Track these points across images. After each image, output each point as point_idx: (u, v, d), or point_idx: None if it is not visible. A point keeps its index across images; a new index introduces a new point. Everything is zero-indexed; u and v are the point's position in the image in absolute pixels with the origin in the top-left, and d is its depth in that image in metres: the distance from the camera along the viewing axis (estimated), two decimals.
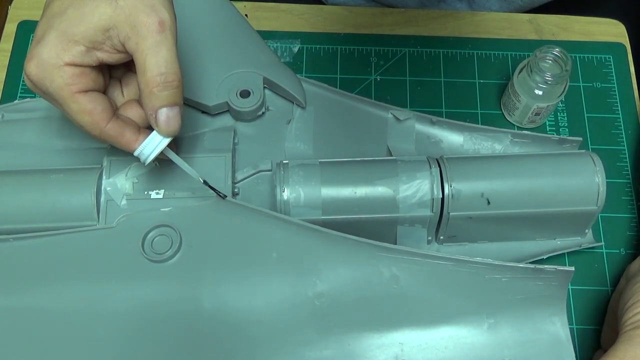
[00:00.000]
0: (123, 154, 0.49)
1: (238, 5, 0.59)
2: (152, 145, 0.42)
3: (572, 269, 0.43)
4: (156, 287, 0.45)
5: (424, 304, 0.44)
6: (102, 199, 0.47)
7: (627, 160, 0.55)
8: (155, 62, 0.39)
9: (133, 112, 0.43)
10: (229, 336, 0.44)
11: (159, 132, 0.42)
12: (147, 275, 0.45)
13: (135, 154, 0.43)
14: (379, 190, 0.46)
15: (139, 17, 0.38)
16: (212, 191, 0.45)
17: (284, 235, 0.45)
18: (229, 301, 0.44)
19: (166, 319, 0.44)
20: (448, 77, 0.58)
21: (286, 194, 0.46)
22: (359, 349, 0.44)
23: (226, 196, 0.46)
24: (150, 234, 0.46)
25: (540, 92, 0.52)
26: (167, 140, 0.42)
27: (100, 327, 0.44)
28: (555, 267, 0.43)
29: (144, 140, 0.42)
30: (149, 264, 0.45)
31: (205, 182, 0.45)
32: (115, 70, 0.44)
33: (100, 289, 0.45)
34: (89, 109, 0.40)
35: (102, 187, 0.47)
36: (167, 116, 0.41)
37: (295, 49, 0.59)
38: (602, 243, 0.51)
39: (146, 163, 0.43)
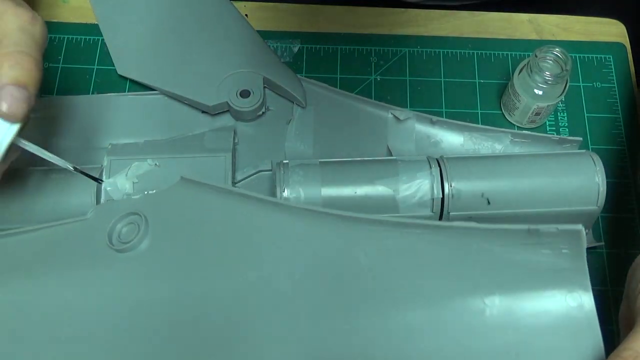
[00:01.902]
0: (123, 154, 0.49)
1: (238, 5, 0.59)
2: None
3: (579, 226, 0.36)
4: (124, 277, 0.42)
5: (404, 286, 0.39)
6: (102, 199, 0.47)
7: (627, 160, 0.55)
8: (17, 40, 0.37)
9: None
10: (199, 322, 0.41)
11: (1, 114, 0.37)
12: (113, 266, 0.43)
13: None
14: (379, 190, 0.46)
15: None
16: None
17: (244, 212, 0.43)
18: (196, 286, 0.42)
19: (136, 310, 0.42)
20: (448, 77, 0.58)
21: (286, 194, 0.46)
22: (333, 333, 0.39)
23: (102, 181, 0.44)
24: (119, 224, 0.44)
25: (540, 92, 0.52)
26: (14, 128, 0.38)
27: (69, 324, 0.42)
28: (557, 226, 0.36)
29: None
30: (114, 254, 0.43)
31: (76, 169, 0.43)
32: None
33: (68, 284, 0.43)
34: None
35: (102, 187, 0.47)
36: (12, 95, 0.37)
37: (295, 49, 0.59)
38: (602, 243, 0.51)
39: None
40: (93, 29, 0.59)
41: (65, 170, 0.48)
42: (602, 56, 0.60)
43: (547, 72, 0.51)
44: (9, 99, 0.36)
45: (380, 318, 0.38)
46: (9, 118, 0.37)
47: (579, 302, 0.36)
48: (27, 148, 0.40)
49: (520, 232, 0.37)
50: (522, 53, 0.60)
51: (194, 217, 0.44)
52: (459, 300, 0.37)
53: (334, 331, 0.39)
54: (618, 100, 0.58)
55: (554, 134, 0.56)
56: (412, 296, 0.38)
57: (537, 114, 0.54)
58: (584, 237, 0.36)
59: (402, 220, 0.40)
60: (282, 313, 0.40)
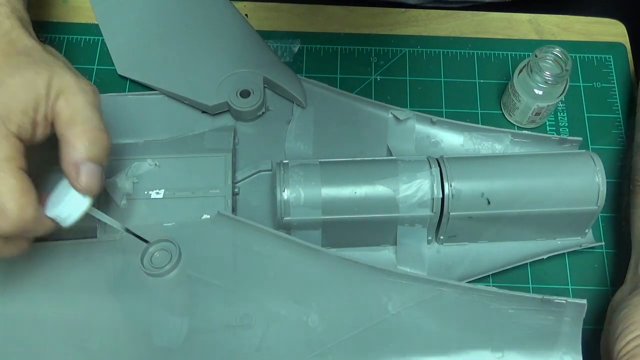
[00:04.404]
0: (123, 154, 0.49)
1: (238, 5, 0.59)
2: (72, 206, 0.39)
3: (584, 301, 0.42)
4: (151, 300, 0.44)
5: (424, 334, 0.43)
6: (102, 198, 0.47)
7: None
8: (90, 116, 0.39)
9: None
10: (219, 355, 0.43)
11: (79, 188, 0.39)
12: (143, 288, 0.45)
13: (51, 215, 0.39)
14: (379, 190, 0.46)
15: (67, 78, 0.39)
16: (137, 236, 0.45)
17: (283, 254, 0.45)
18: (222, 319, 0.44)
19: (158, 333, 0.43)
20: (448, 77, 0.58)
21: (286, 194, 0.46)
22: None
23: (149, 242, 0.45)
24: (151, 248, 0.45)
25: (540, 92, 0.52)
26: (87, 201, 0.40)
27: (93, 339, 0.43)
28: (566, 299, 0.42)
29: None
30: (146, 278, 0.45)
31: (127, 230, 0.44)
32: None
33: (96, 301, 0.44)
34: (28, 188, 0.37)
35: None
36: (91, 171, 0.38)
37: (295, 49, 0.59)
38: (602, 243, 0.51)
39: (65, 225, 0.40)
40: (93, 29, 0.59)
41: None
42: (602, 56, 0.60)
43: (547, 72, 0.51)
44: (88, 174, 0.38)
45: None
46: (85, 192, 0.39)
47: None
48: (94, 214, 0.42)
49: (534, 300, 0.42)
50: (522, 53, 0.60)
51: (226, 253, 0.46)
52: (472, 352, 0.43)
53: None
54: (618, 100, 0.58)
55: (554, 134, 0.56)
56: (431, 344, 0.43)
57: (537, 114, 0.54)
58: (585, 309, 0.42)
59: (429, 277, 0.44)
60: (311, 346, 0.43)
